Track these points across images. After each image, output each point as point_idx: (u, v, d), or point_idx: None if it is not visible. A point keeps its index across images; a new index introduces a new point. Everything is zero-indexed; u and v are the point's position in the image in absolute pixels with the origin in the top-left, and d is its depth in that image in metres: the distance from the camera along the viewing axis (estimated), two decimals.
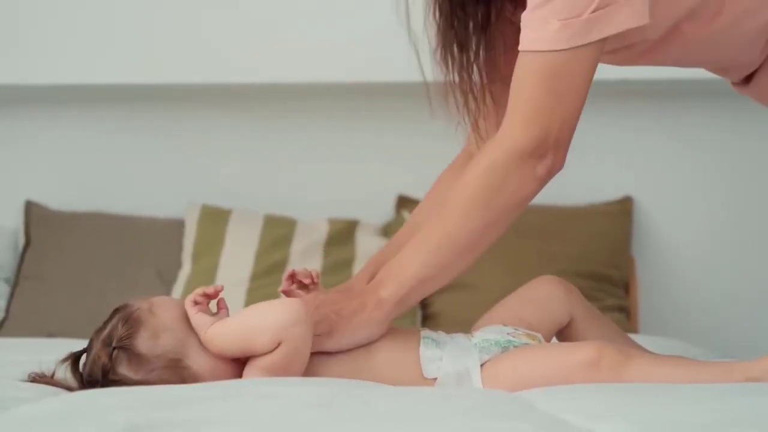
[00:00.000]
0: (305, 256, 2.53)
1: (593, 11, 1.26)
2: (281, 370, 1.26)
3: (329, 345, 1.33)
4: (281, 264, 2.52)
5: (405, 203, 2.73)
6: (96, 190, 2.75)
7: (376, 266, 1.47)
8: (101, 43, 2.63)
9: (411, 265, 1.34)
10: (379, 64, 2.56)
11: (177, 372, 1.28)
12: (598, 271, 2.56)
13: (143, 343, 1.28)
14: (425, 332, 1.38)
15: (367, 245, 2.57)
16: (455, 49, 1.42)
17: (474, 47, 1.42)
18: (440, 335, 1.38)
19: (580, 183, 2.66)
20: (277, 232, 2.59)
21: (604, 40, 1.29)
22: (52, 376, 1.32)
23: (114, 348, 1.29)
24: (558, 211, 2.58)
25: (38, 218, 2.66)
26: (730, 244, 2.73)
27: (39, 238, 2.62)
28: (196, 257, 2.57)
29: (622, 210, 2.69)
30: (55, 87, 2.65)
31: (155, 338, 1.29)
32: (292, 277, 1.46)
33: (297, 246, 2.56)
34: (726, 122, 2.73)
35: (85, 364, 1.31)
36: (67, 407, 1.05)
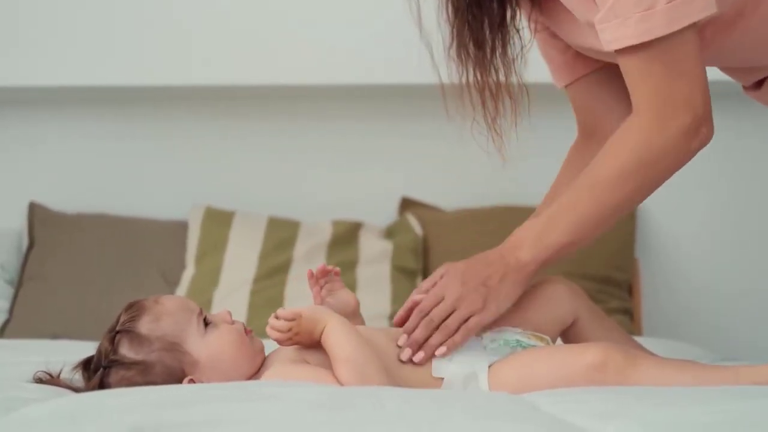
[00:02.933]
0: (309, 258, 2.53)
1: (668, 1, 1.27)
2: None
3: (489, 316, 1.34)
4: (285, 266, 2.52)
5: (408, 205, 2.73)
6: (100, 192, 2.75)
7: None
8: (105, 45, 2.63)
9: (556, 232, 1.36)
10: (384, 67, 2.57)
11: (176, 356, 1.29)
12: (602, 273, 2.56)
13: (145, 325, 1.30)
14: None
15: (370, 247, 2.57)
16: (471, 47, 1.42)
17: (490, 45, 1.42)
18: None
19: None
20: (281, 234, 2.59)
21: (694, 25, 1.30)
22: (58, 376, 1.33)
23: (116, 332, 1.30)
24: None
25: (42, 220, 2.66)
26: (734, 246, 2.73)
27: (42, 239, 2.63)
28: (199, 259, 2.57)
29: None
30: (58, 88, 2.66)
31: (157, 321, 1.31)
32: (315, 278, 1.45)
33: (300, 248, 2.56)
34: (730, 124, 2.73)
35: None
36: (72, 408, 1.05)
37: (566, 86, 1.57)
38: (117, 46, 2.63)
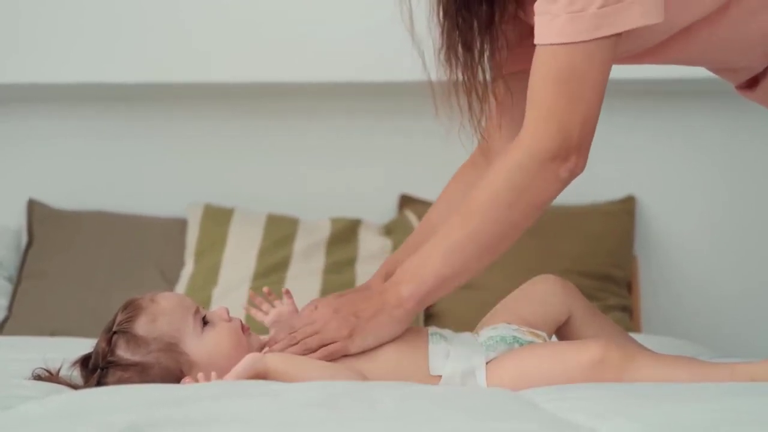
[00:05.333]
0: (307, 255, 2.53)
1: (600, 6, 1.26)
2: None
3: (353, 347, 1.33)
4: (284, 263, 2.52)
5: (407, 202, 2.73)
6: (98, 189, 2.75)
7: (391, 267, 1.47)
8: (104, 43, 2.63)
9: (431, 263, 1.35)
10: (383, 64, 2.56)
11: (173, 357, 1.29)
12: (601, 271, 2.56)
13: (141, 326, 1.30)
14: (433, 329, 1.39)
15: (369, 244, 2.57)
16: (460, 49, 1.42)
17: (478, 47, 1.42)
18: (447, 333, 1.39)
19: (582, 182, 2.63)
20: (280, 232, 2.59)
21: (615, 37, 1.29)
22: (57, 373, 1.33)
23: (113, 333, 1.30)
24: (561, 210, 2.58)
25: (41, 217, 2.66)
26: (733, 243, 2.73)
27: (41, 236, 2.63)
28: (198, 256, 2.57)
29: (625, 209, 2.69)
30: (57, 86, 2.65)
31: (153, 321, 1.31)
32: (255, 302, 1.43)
33: (299, 245, 2.56)
34: (729, 121, 2.73)
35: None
36: (70, 405, 1.05)
37: (493, 80, 1.55)
38: (116, 44, 2.63)
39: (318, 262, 2.53)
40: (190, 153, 2.77)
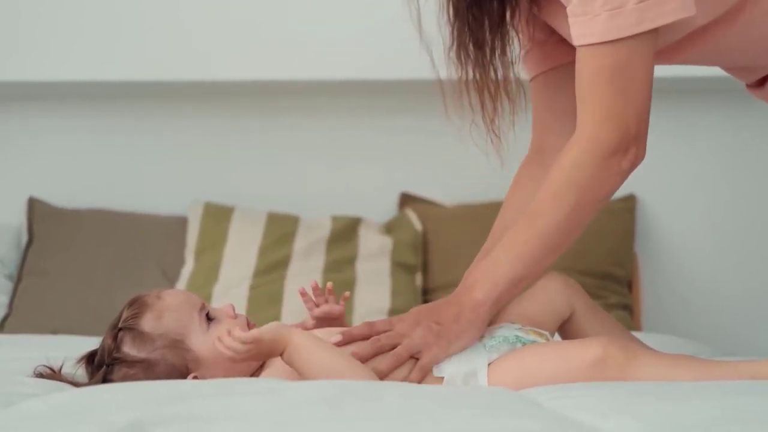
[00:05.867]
0: (308, 253, 2.53)
1: (638, 2, 1.27)
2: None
3: (441, 354, 1.33)
4: (284, 261, 2.52)
5: (407, 201, 2.73)
6: (99, 187, 2.75)
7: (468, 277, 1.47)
8: (104, 41, 2.63)
9: (502, 266, 1.36)
10: (383, 62, 2.57)
11: (179, 353, 1.29)
12: (602, 269, 2.55)
13: (147, 323, 1.30)
14: None
15: (369, 243, 2.57)
16: (471, 47, 1.42)
17: (489, 45, 1.42)
18: None
19: None
20: (280, 230, 2.58)
21: (656, 31, 1.30)
22: (59, 371, 1.33)
23: (119, 329, 1.30)
24: None
25: (41, 215, 2.66)
26: (734, 242, 2.73)
27: (42, 234, 2.62)
28: (199, 254, 2.57)
29: (626, 208, 2.69)
30: (58, 84, 2.65)
31: (159, 318, 1.31)
32: (306, 295, 1.45)
33: (300, 243, 2.55)
34: (729, 120, 2.73)
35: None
36: (72, 403, 1.05)
37: (533, 79, 1.55)
38: (116, 42, 2.63)
39: (318, 260, 2.53)
40: (190, 151, 2.77)
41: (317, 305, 1.45)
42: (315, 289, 1.45)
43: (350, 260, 2.54)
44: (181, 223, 2.65)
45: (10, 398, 1.12)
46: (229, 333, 1.25)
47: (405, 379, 1.32)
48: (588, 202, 1.36)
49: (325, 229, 2.59)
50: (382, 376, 1.31)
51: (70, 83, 2.64)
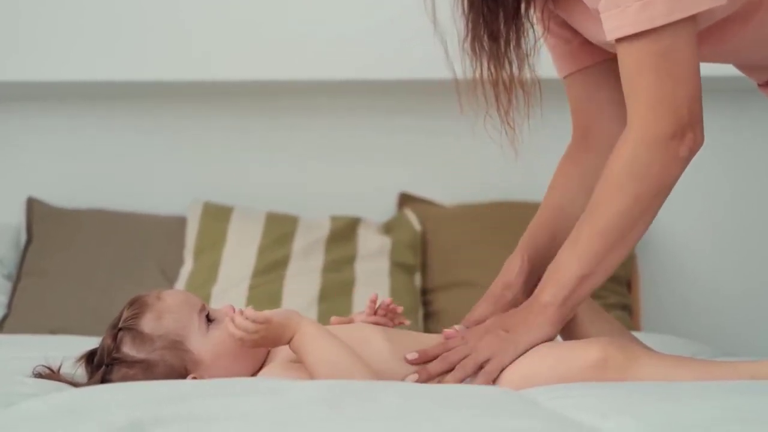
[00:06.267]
0: (307, 253, 2.53)
1: None
2: None
3: (507, 358, 1.32)
4: (283, 261, 2.52)
5: (406, 201, 2.73)
6: (98, 187, 2.75)
7: (524, 251, 1.50)
8: (103, 40, 2.63)
9: (566, 267, 1.35)
10: (382, 62, 2.57)
11: (178, 354, 1.29)
12: None
13: (147, 323, 1.30)
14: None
15: (368, 243, 2.57)
16: (486, 39, 1.41)
17: (505, 37, 1.42)
18: None
19: None
20: (279, 230, 2.58)
21: (692, 18, 1.28)
22: (58, 371, 1.33)
23: (119, 329, 1.30)
24: None
25: (40, 215, 2.66)
26: (733, 241, 2.73)
27: (41, 234, 2.62)
28: (198, 254, 2.57)
29: None
30: (57, 84, 2.65)
31: (159, 319, 1.31)
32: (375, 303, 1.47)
33: (299, 243, 2.55)
34: (729, 119, 2.73)
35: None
36: (71, 403, 1.05)
37: (566, 77, 1.56)
38: (116, 42, 2.63)
39: (317, 260, 2.53)
40: (189, 151, 2.77)
41: (374, 313, 1.45)
42: (372, 302, 1.46)
43: (349, 260, 2.54)
44: (181, 223, 2.65)
45: (10, 398, 1.12)
46: (241, 312, 1.25)
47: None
48: (649, 193, 1.34)
49: (324, 229, 2.59)
50: None
51: (70, 83, 2.64)
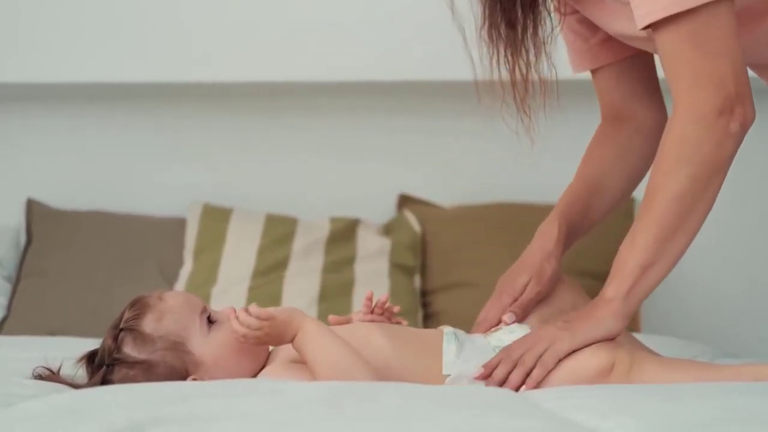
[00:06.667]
0: (307, 254, 2.53)
1: None
2: None
3: (564, 347, 1.30)
4: (283, 262, 2.52)
5: (406, 202, 2.73)
6: (98, 189, 2.75)
7: (560, 218, 1.51)
8: (104, 42, 2.63)
9: (627, 259, 1.33)
10: (382, 63, 2.57)
11: (179, 356, 1.29)
12: (601, 270, 2.53)
13: (148, 324, 1.30)
14: (448, 329, 1.38)
15: (368, 244, 2.57)
16: (503, 26, 1.41)
17: (522, 24, 1.41)
18: (461, 333, 1.39)
19: None
20: (279, 231, 2.58)
21: None
22: (58, 372, 1.33)
23: (120, 330, 1.30)
24: None
25: (40, 216, 2.66)
26: (733, 243, 2.73)
27: (40, 236, 2.62)
28: (197, 255, 2.57)
29: (624, 209, 2.68)
30: (57, 85, 2.65)
31: (160, 320, 1.30)
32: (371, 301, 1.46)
33: (298, 244, 2.55)
34: None
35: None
36: (71, 404, 1.05)
37: (591, 72, 1.55)
38: (115, 43, 2.63)
39: (317, 261, 2.53)
40: (189, 152, 2.77)
41: (371, 312, 1.45)
42: (369, 300, 1.45)
43: (349, 261, 2.54)
44: (180, 224, 2.65)
45: (10, 399, 1.12)
46: (246, 309, 1.25)
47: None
48: (703, 174, 1.29)
49: (323, 230, 2.59)
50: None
51: (69, 84, 2.64)
